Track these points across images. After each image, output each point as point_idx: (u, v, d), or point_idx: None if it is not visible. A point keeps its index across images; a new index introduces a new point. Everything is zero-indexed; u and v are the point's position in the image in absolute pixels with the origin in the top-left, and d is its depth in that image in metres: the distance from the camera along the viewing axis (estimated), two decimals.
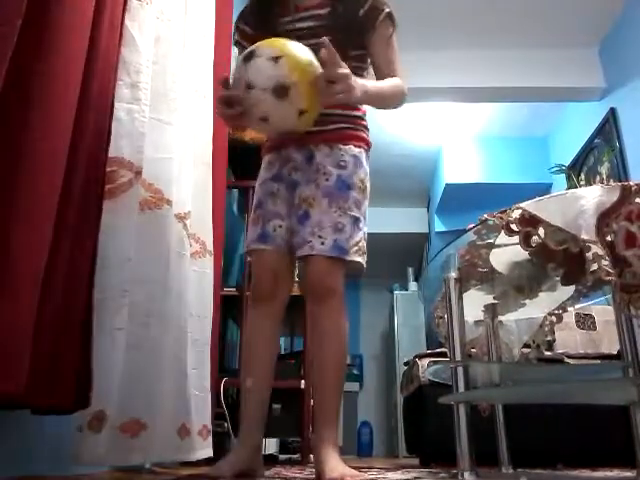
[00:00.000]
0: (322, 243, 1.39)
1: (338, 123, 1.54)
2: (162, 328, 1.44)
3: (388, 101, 1.62)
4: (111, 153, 1.31)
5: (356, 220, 1.47)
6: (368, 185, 1.58)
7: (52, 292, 1.04)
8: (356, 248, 1.44)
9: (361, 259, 1.47)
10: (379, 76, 1.60)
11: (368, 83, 1.46)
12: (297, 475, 1.55)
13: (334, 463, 1.28)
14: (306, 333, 2.46)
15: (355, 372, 7.03)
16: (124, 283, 1.27)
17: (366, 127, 1.64)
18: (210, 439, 1.76)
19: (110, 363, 1.21)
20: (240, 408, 1.46)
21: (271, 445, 3.50)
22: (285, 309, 1.52)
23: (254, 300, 1.52)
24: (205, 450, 1.71)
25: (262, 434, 1.46)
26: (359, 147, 1.56)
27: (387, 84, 1.57)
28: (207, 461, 1.73)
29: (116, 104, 1.33)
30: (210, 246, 1.87)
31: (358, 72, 1.49)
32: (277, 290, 1.48)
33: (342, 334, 1.42)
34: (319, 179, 1.46)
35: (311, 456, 2.43)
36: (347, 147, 1.52)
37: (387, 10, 1.57)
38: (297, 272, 1.62)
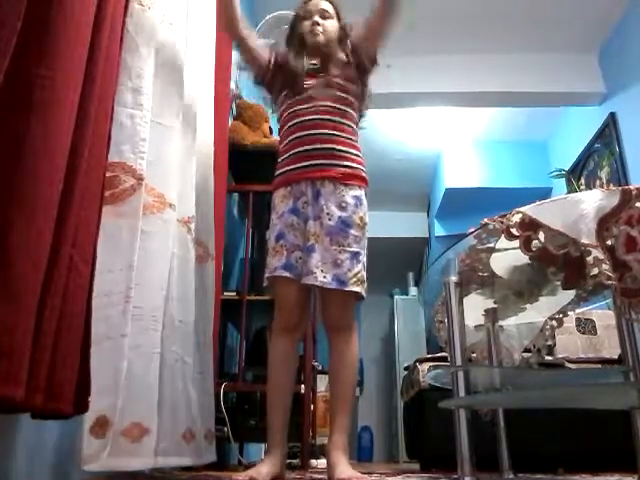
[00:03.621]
0: (324, 277, 1.58)
1: (341, 160, 1.72)
2: (166, 332, 1.44)
3: None
4: (113, 158, 1.30)
5: (355, 255, 1.66)
6: (367, 220, 1.78)
7: (52, 296, 1.03)
8: (354, 279, 1.63)
9: (359, 288, 1.65)
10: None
11: None
12: None
13: (343, 466, 1.48)
14: (306, 338, 2.46)
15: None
16: (128, 289, 1.27)
17: (363, 165, 1.82)
18: (214, 443, 1.75)
19: (114, 369, 1.21)
20: (268, 422, 1.65)
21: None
22: (303, 333, 1.81)
23: (281, 330, 1.70)
24: (210, 455, 1.71)
25: (286, 443, 1.66)
26: (360, 188, 1.76)
27: None
28: (209, 466, 1.72)
29: (118, 109, 1.33)
30: (212, 250, 1.87)
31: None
32: (302, 321, 1.72)
33: (356, 359, 1.69)
34: (323, 218, 1.65)
35: (312, 461, 2.43)
36: (348, 187, 1.71)
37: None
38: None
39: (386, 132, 5.03)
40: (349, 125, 1.78)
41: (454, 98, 4.17)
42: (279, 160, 1.81)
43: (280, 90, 1.83)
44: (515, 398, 1.59)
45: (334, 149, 1.71)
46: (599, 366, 2.59)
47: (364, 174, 1.80)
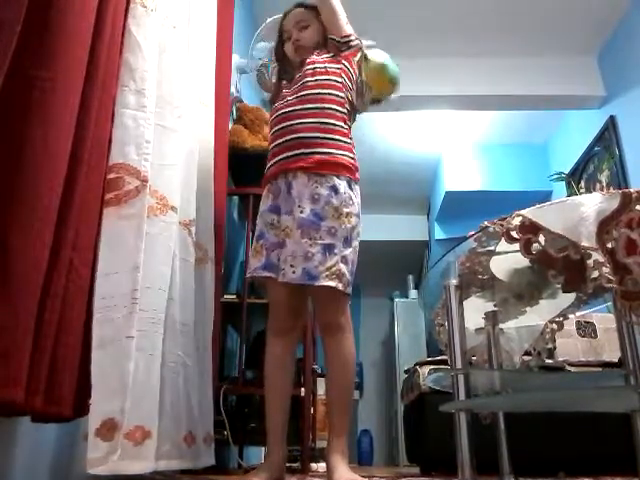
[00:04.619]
0: (293, 272, 1.53)
1: (317, 147, 1.64)
2: (168, 335, 1.44)
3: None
4: (117, 159, 1.31)
5: (327, 247, 1.55)
6: (348, 209, 1.61)
7: (51, 298, 1.03)
8: (327, 273, 1.52)
9: (334, 283, 1.53)
10: None
11: None
12: None
13: (343, 470, 1.49)
14: (306, 340, 2.46)
15: (355, 380, 7.00)
16: (134, 290, 1.27)
17: (350, 151, 1.71)
18: (213, 447, 1.75)
19: (120, 371, 1.21)
20: (266, 425, 1.65)
21: None
22: (300, 336, 1.79)
23: (274, 332, 1.69)
24: (208, 458, 1.71)
25: (286, 445, 1.66)
26: (339, 177, 1.63)
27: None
28: (209, 469, 1.72)
29: (122, 110, 1.33)
30: (212, 253, 1.87)
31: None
32: (295, 323, 1.69)
33: (349, 360, 1.63)
34: (295, 212, 1.59)
35: (311, 465, 2.43)
36: (324, 178, 1.61)
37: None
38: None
39: (386, 135, 5.04)
40: (330, 109, 1.71)
41: (454, 101, 4.18)
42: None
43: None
44: (515, 401, 1.58)
45: (307, 137, 1.65)
46: (599, 369, 2.59)
47: (347, 161, 1.68)
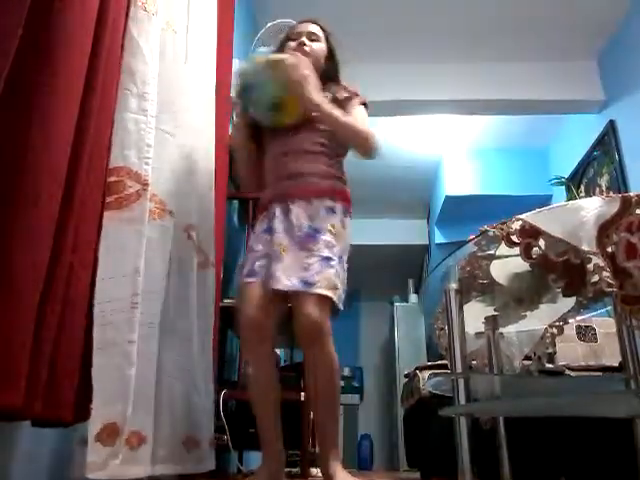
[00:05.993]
0: (288, 280, 1.53)
1: (313, 177, 1.72)
2: (165, 339, 1.44)
3: (344, 129, 1.79)
4: (118, 163, 1.31)
5: (326, 259, 1.58)
6: (344, 231, 1.70)
7: (51, 302, 1.03)
8: (325, 282, 1.54)
9: (330, 293, 1.55)
10: None
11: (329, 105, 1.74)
12: None
13: (343, 476, 1.52)
14: None
15: (355, 384, 6.98)
16: (134, 295, 1.26)
17: (344, 182, 1.80)
18: (214, 451, 1.75)
19: (122, 375, 1.20)
20: (258, 433, 1.63)
21: None
22: (275, 339, 1.68)
23: (242, 329, 1.64)
24: (210, 462, 1.70)
25: (282, 446, 1.64)
26: (334, 200, 1.71)
27: (348, 118, 1.79)
28: (209, 474, 1.71)
29: (123, 114, 1.34)
30: (213, 257, 1.87)
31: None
32: (258, 315, 1.59)
33: (335, 366, 1.60)
34: (293, 231, 1.63)
35: (311, 469, 2.42)
36: (321, 200, 1.69)
37: (362, 99, 1.87)
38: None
39: (386, 139, 5.04)
40: (327, 149, 1.79)
41: (454, 106, 4.18)
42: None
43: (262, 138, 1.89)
44: (516, 406, 1.58)
45: (308, 172, 1.73)
46: (600, 374, 2.58)
47: (341, 188, 1.78)
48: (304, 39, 1.89)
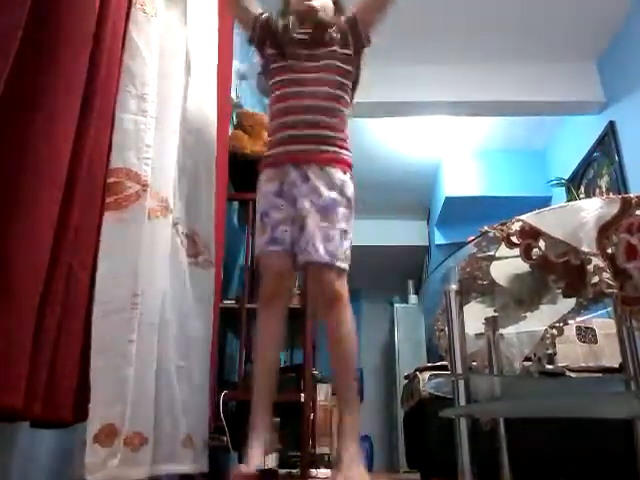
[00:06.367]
0: (316, 251, 1.60)
1: (329, 146, 1.75)
2: (164, 339, 1.43)
3: None
4: (117, 164, 1.31)
5: (344, 232, 1.68)
6: (352, 202, 1.76)
7: (51, 303, 1.03)
8: (343, 256, 1.66)
9: (346, 265, 1.67)
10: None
11: None
12: None
13: (350, 462, 1.50)
14: (305, 346, 2.45)
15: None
16: (134, 295, 1.26)
17: (349, 150, 1.82)
18: (207, 452, 1.75)
19: (120, 376, 1.20)
20: (252, 401, 1.65)
21: (270, 460, 3.46)
22: (287, 308, 1.75)
23: (265, 299, 1.71)
24: (203, 463, 1.70)
25: (272, 417, 1.71)
26: (344, 171, 1.76)
27: None
28: (208, 475, 1.71)
29: (122, 115, 1.34)
30: (213, 258, 1.87)
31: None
32: (282, 288, 1.71)
33: (353, 328, 1.69)
34: (313, 197, 1.67)
35: (311, 470, 2.41)
36: (334, 170, 1.73)
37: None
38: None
39: (386, 141, 5.04)
40: (341, 111, 1.80)
41: (453, 107, 4.18)
42: (268, 139, 1.84)
43: (270, 58, 1.84)
44: (516, 407, 1.58)
45: (324, 135, 1.74)
46: (600, 375, 2.58)
47: (349, 159, 1.81)
48: None
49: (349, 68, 1.82)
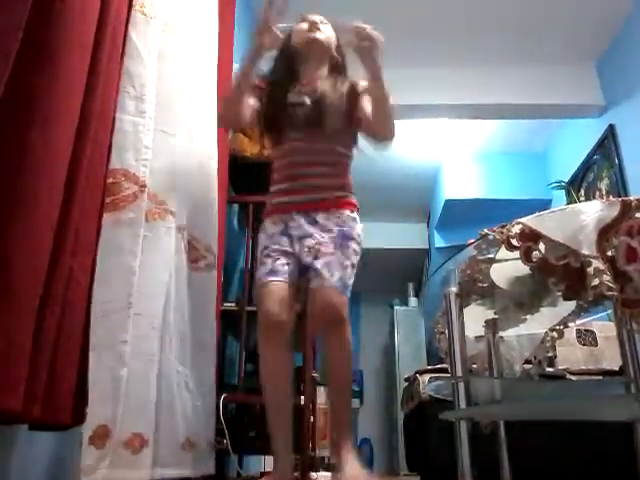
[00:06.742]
0: (331, 276, 1.64)
1: (331, 191, 1.80)
2: (166, 341, 1.43)
3: (386, 106, 1.77)
4: (116, 165, 1.31)
5: (352, 266, 1.72)
6: (360, 240, 1.81)
7: (50, 306, 1.03)
8: (349, 287, 1.70)
9: (348, 295, 1.71)
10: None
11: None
12: None
13: (353, 464, 1.55)
14: (305, 350, 2.45)
15: (355, 388, 6.96)
16: (129, 295, 1.26)
17: (353, 193, 1.88)
18: (213, 455, 1.74)
19: (113, 376, 1.20)
20: (270, 434, 1.64)
21: (270, 462, 3.46)
22: (290, 334, 1.71)
23: (267, 331, 1.66)
24: (209, 465, 1.70)
25: (292, 454, 1.69)
26: (351, 210, 1.82)
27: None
28: (208, 478, 1.71)
29: (121, 116, 1.34)
30: (214, 260, 1.87)
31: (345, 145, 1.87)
32: (282, 314, 1.64)
33: (350, 353, 1.69)
34: (325, 232, 1.72)
35: (311, 474, 2.41)
36: (342, 210, 1.79)
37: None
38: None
39: None
40: (345, 159, 1.87)
41: (453, 110, 4.19)
42: (271, 188, 1.87)
43: (269, 126, 1.88)
44: (516, 410, 1.58)
45: (328, 184, 1.80)
46: (600, 377, 2.58)
47: (354, 200, 1.86)
48: (317, 21, 1.87)
49: (351, 138, 1.89)
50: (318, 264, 1.65)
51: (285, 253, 1.71)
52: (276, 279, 1.67)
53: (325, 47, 1.86)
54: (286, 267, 1.69)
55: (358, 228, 1.80)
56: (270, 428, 1.64)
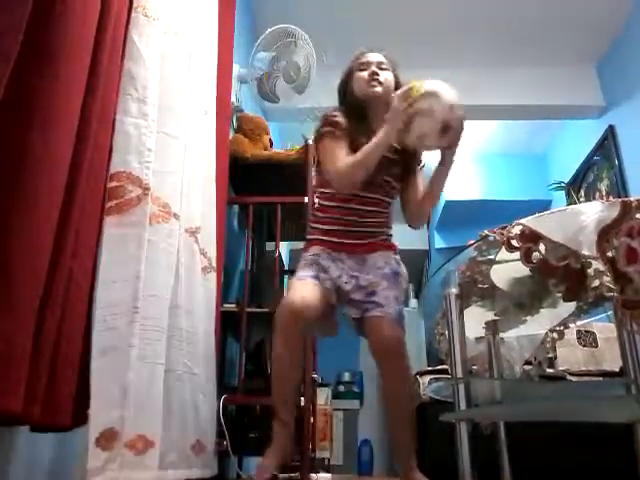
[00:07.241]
0: (390, 308, 1.71)
1: (378, 237, 1.88)
2: (174, 343, 1.43)
3: (440, 192, 1.98)
4: (119, 167, 1.31)
5: (403, 302, 1.83)
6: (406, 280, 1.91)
7: (51, 308, 1.03)
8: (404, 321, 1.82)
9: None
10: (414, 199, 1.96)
11: None
12: None
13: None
14: (306, 350, 2.44)
15: (355, 390, 6.95)
16: (135, 299, 1.26)
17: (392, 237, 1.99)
18: (217, 456, 1.75)
19: (121, 380, 1.20)
20: (273, 399, 1.68)
21: None
22: (305, 335, 1.78)
23: (285, 312, 1.62)
24: (213, 467, 1.70)
25: (293, 424, 1.70)
26: (395, 252, 1.92)
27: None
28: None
29: (124, 118, 1.33)
30: (214, 261, 1.87)
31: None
32: (305, 307, 1.62)
33: (411, 390, 1.88)
34: (375, 271, 1.78)
35: (311, 475, 2.40)
36: (388, 252, 1.88)
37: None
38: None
39: None
40: (388, 208, 1.94)
41: None
42: (315, 224, 1.87)
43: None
44: (516, 411, 1.58)
45: (375, 231, 1.87)
46: (600, 379, 2.58)
47: (395, 244, 1.96)
48: (375, 68, 1.83)
49: (398, 182, 1.92)
50: (375, 298, 1.71)
51: (327, 272, 1.73)
52: (313, 281, 1.69)
53: (387, 97, 1.78)
54: (327, 282, 1.71)
55: (403, 267, 1.91)
56: (274, 398, 1.67)
